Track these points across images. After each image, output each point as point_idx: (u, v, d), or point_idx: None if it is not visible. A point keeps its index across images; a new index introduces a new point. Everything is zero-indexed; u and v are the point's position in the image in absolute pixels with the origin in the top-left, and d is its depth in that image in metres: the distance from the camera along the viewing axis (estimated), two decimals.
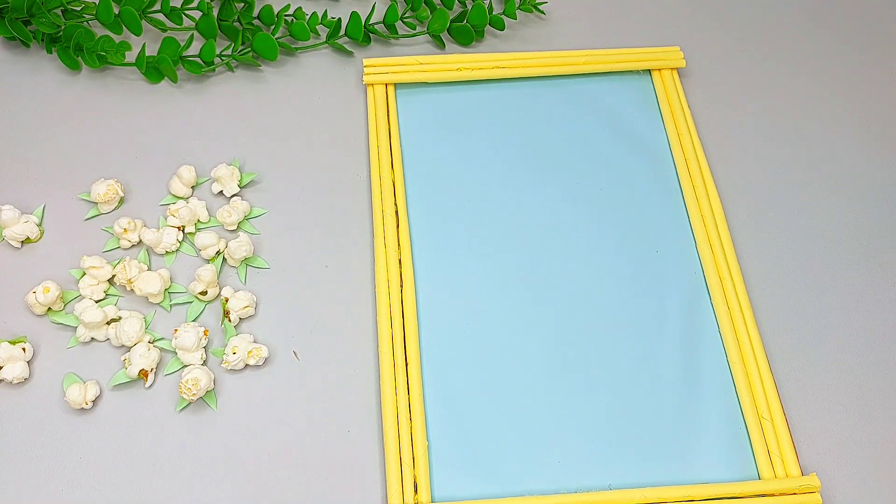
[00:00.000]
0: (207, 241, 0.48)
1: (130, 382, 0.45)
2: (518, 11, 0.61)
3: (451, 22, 0.58)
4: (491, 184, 0.53)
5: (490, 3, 0.61)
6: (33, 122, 0.54)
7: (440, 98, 0.56)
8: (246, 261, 0.49)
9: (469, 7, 0.59)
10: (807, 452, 0.45)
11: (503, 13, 0.59)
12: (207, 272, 0.47)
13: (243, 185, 0.52)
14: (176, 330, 0.45)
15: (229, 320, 0.47)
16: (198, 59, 0.56)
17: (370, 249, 0.50)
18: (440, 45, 0.59)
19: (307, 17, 0.58)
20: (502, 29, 0.59)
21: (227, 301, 0.47)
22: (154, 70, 0.56)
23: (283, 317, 0.48)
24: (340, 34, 0.58)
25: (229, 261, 0.49)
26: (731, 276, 0.50)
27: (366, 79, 0.56)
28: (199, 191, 0.52)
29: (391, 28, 0.59)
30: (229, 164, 0.52)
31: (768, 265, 0.51)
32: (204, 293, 0.47)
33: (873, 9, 0.65)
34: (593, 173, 0.54)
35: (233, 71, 0.57)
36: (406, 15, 0.59)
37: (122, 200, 0.51)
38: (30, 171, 0.52)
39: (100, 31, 0.57)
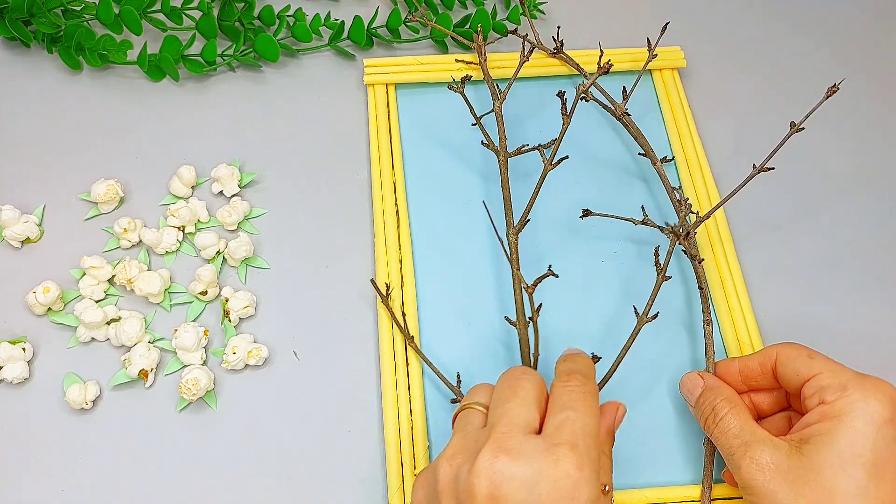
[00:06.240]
0: (207, 241, 0.48)
1: (130, 382, 0.45)
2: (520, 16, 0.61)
3: (454, 26, 0.58)
4: (491, 184, 0.53)
5: (494, 7, 0.61)
6: (33, 122, 0.54)
7: (440, 98, 0.56)
8: (246, 261, 0.49)
9: (471, 11, 0.59)
10: None
11: (507, 19, 0.59)
12: (207, 272, 0.47)
13: (243, 185, 0.52)
14: (176, 330, 0.45)
15: (229, 320, 0.47)
16: (199, 59, 0.56)
17: (370, 249, 0.50)
18: (443, 49, 0.59)
19: (310, 19, 0.58)
20: (505, 35, 0.59)
21: (227, 301, 0.47)
22: (156, 68, 0.56)
23: (283, 317, 0.48)
24: (343, 37, 0.58)
25: (229, 261, 0.49)
26: (732, 276, 0.50)
27: (366, 79, 0.56)
28: (199, 191, 0.52)
29: (394, 32, 0.58)
30: (229, 164, 0.52)
31: (768, 265, 0.51)
32: (204, 293, 0.47)
33: (874, 10, 0.65)
34: (593, 173, 0.54)
35: (234, 71, 0.57)
36: (409, 18, 0.58)
37: (122, 200, 0.51)
38: (30, 171, 0.52)
39: (100, 30, 0.57)
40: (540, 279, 0.43)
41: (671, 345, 0.48)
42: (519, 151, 0.49)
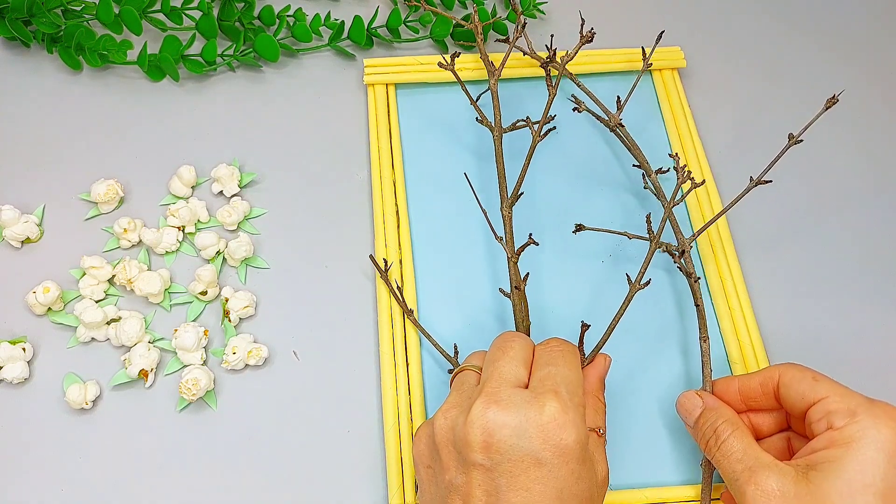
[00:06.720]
0: (207, 241, 0.48)
1: (130, 382, 0.45)
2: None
3: (454, 26, 0.58)
4: (491, 184, 0.53)
5: (494, 6, 0.61)
6: (33, 122, 0.54)
7: (440, 98, 0.56)
8: (246, 261, 0.49)
9: (471, 11, 0.59)
10: None
11: (506, 18, 0.59)
12: (207, 272, 0.47)
13: (243, 185, 0.52)
14: (176, 330, 0.45)
15: (229, 320, 0.47)
16: (199, 59, 0.56)
17: (370, 249, 0.50)
18: (443, 48, 0.59)
19: (310, 19, 0.58)
20: (505, 34, 0.59)
21: (227, 301, 0.47)
22: (156, 68, 0.56)
23: (283, 317, 0.48)
24: (343, 37, 0.58)
25: (229, 261, 0.49)
26: (732, 276, 0.50)
27: (366, 79, 0.56)
28: (199, 191, 0.52)
29: (394, 32, 0.58)
30: (229, 164, 0.52)
31: (768, 265, 0.51)
32: (204, 293, 0.47)
33: (875, 11, 0.65)
34: (593, 173, 0.54)
35: (234, 71, 0.57)
36: (409, 18, 0.58)
37: (122, 200, 0.51)
38: (30, 171, 0.52)
39: (100, 30, 0.57)
40: (522, 248, 0.44)
41: (667, 359, 0.48)
42: (514, 127, 0.49)
